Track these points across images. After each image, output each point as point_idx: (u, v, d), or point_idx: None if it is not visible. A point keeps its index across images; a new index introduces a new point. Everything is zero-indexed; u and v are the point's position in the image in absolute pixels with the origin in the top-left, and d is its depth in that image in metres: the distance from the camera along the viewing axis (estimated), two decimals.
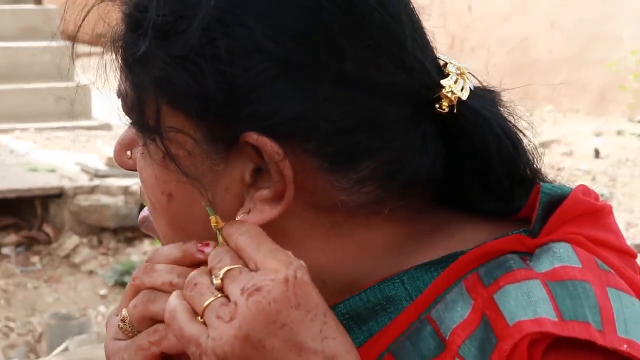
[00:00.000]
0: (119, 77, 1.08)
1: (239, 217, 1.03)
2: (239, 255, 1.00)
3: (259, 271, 0.97)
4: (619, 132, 8.73)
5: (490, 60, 9.32)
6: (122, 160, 1.13)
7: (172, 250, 1.06)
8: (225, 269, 0.98)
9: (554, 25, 9.52)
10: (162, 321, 1.02)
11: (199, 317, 0.97)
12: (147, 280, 1.05)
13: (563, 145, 8.48)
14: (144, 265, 1.07)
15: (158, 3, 1.01)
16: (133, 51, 1.04)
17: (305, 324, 0.97)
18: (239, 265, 0.98)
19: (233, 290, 0.96)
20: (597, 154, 8.40)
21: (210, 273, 1.00)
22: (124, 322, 1.05)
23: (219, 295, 0.97)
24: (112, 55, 1.07)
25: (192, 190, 1.05)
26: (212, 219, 1.04)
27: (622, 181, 7.93)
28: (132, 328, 1.05)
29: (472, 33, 9.90)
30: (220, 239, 1.04)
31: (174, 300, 0.99)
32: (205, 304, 0.97)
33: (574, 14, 9.37)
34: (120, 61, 1.07)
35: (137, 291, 1.06)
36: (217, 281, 0.98)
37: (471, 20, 9.99)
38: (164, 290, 1.03)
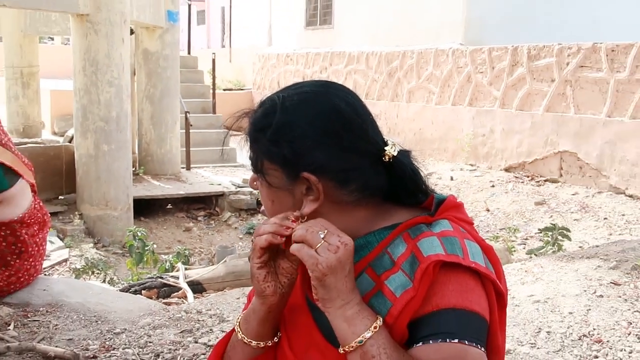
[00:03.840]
0: (249, 151, 1.02)
1: (304, 208, 0.97)
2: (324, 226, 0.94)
3: (344, 236, 0.93)
4: (461, 169, 8.50)
5: (405, 139, 9.21)
6: (252, 185, 1.04)
7: (275, 218, 0.98)
8: (326, 231, 0.92)
9: (433, 123, 9.30)
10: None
11: (314, 249, 0.92)
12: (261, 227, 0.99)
13: (436, 175, 8.31)
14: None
15: (264, 120, 0.98)
16: (254, 139, 1.00)
17: (352, 263, 0.93)
18: (330, 230, 0.93)
19: (334, 240, 0.92)
20: (452, 178, 8.13)
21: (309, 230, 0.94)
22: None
23: (323, 241, 0.91)
24: (246, 140, 1.01)
25: (282, 198, 0.99)
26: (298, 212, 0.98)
27: (463, 191, 7.72)
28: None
29: (398, 127, 9.72)
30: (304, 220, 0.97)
31: (297, 244, 0.93)
32: (319, 244, 0.91)
33: (440, 118, 9.16)
34: (248, 143, 1.01)
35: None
36: (323, 235, 0.92)
37: (397, 122, 9.81)
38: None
